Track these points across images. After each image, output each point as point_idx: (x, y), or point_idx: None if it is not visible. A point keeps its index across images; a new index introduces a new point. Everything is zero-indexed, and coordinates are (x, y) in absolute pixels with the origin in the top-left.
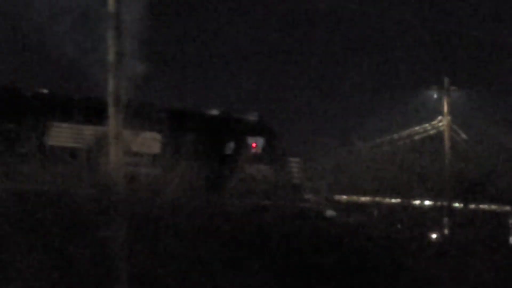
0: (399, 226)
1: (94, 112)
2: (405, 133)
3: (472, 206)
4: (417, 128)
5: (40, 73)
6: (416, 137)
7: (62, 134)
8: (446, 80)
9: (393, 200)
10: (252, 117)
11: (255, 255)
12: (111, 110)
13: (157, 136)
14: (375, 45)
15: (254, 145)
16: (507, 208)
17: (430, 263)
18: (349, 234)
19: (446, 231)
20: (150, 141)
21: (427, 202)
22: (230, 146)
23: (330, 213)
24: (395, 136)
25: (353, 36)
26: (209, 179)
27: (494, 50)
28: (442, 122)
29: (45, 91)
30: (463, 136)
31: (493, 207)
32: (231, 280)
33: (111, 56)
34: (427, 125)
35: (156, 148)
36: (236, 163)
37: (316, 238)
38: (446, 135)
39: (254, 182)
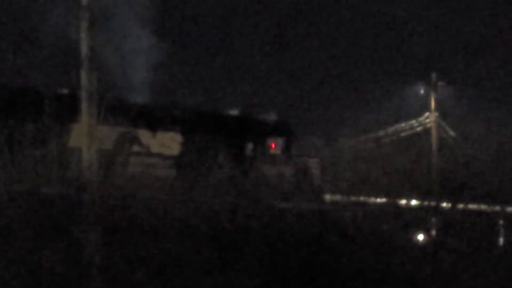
0: (385, 226)
1: (114, 113)
2: (391, 130)
3: (461, 206)
4: (403, 124)
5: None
6: (403, 134)
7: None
8: (433, 76)
9: (379, 200)
10: (271, 117)
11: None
12: (84, 105)
13: (177, 136)
14: (361, 40)
15: (273, 145)
16: (497, 208)
17: (417, 265)
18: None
19: (433, 232)
20: (169, 142)
21: (414, 202)
22: (250, 147)
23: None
24: (381, 133)
25: (338, 32)
26: (228, 180)
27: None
28: (429, 118)
29: (65, 91)
30: (451, 133)
31: (482, 207)
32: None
33: (84, 50)
34: (414, 121)
35: (175, 149)
36: (255, 164)
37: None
38: (434, 132)
39: (273, 183)
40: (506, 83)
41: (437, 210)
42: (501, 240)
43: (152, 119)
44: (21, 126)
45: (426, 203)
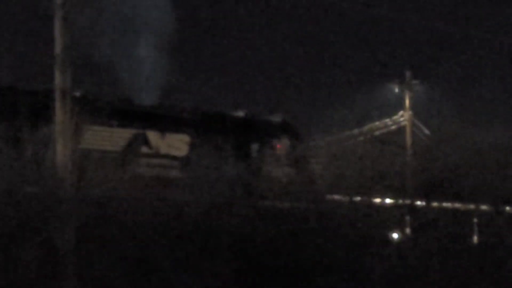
0: (359, 225)
1: (126, 114)
2: (365, 128)
3: (435, 204)
4: (377, 123)
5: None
6: (377, 133)
7: (94, 137)
8: (407, 74)
9: (353, 198)
10: (277, 118)
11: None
12: (57, 105)
13: (186, 138)
14: (334, 37)
15: (278, 146)
16: (471, 206)
17: (391, 264)
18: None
19: (408, 231)
20: (178, 143)
21: (388, 200)
22: (255, 148)
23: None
24: (355, 131)
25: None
26: (234, 180)
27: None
28: (403, 117)
29: (77, 93)
30: (426, 131)
31: (457, 205)
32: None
33: (57, 48)
34: (388, 120)
35: (184, 150)
36: (261, 165)
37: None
38: (408, 130)
39: (279, 184)
40: (481, 81)
41: (412, 208)
42: (475, 239)
43: (160, 120)
44: (24, 127)
45: (400, 201)
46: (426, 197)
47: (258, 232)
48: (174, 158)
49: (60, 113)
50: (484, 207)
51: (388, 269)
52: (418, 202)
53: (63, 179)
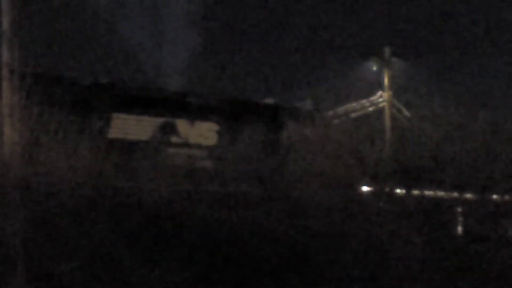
0: (336, 215)
1: (154, 103)
2: (340, 110)
3: (416, 192)
4: (354, 104)
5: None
6: (353, 115)
7: (123, 126)
8: (386, 51)
9: (328, 187)
10: (307, 105)
11: None
12: (4, 84)
13: (214, 126)
14: (307, 12)
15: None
16: (455, 194)
17: (368, 257)
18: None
19: (386, 220)
20: (207, 132)
21: (365, 188)
22: (286, 136)
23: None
24: (330, 113)
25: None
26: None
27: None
28: (382, 97)
29: (104, 80)
30: (406, 113)
31: (440, 193)
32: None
33: (5, 24)
34: (365, 101)
35: (213, 139)
36: (291, 153)
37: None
38: (387, 112)
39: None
40: (465, 60)
41: (391, 196)
42: (459, 229)
43: (189, 108)
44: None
45: (378, 189)
46: (407, 184)
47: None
48: (203, 147)
49: (7, 92)
50: (468, 195)
51: (365, 262)
52: (398, 190)
53: (10, 166)
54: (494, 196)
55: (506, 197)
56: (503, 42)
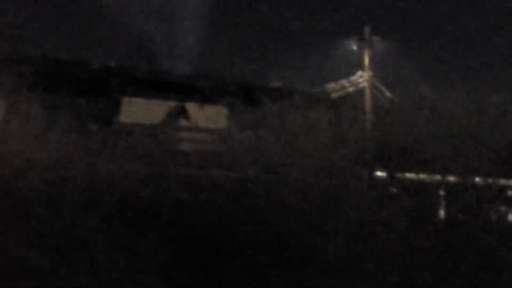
0: (313, 199)
1: (164, 86)
2: (320, 91)
3: (398, 175)
4: (333, 84)
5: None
6: (333, 95)
7: (133, 110)
8: (367, 30)
9: (306, 170)
10: (317, 89)
11: None
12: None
13: (223, 110)
14: None
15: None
16: (438, 177)
17: (347, 243)
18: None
19: (367, 205)
20: (216, 116)
21: (346, 171)
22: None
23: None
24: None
25: None
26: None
27: None
28: (362, 77)
29: (113, 64)
30: (387, 94)
31: (422, 176)
32: None
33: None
34: (345, 81)
35: (222, 123)
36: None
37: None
38: (367, 92)
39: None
40: (448, 39)
41: (372, 179)
42: (441, 213)
43: (199, 92)
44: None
45: (359, 172)
46: (388, 167)
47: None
48: (212, 131)
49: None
50: (452, 178)
51: (344, 249)
52: (379, 173)
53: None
54: (478, 180)
55: (490, 180)
56: (488, 21)
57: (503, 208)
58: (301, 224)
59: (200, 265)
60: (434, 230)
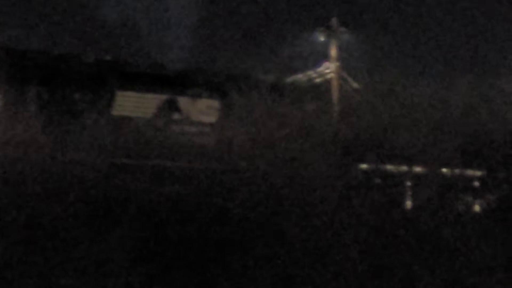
0: (282, 190)
1: (157, 80)
2: (286, 82)
3: (364, 166)
4: (300, 75)
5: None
6: (300, 86)
7: (126, 103)
8: (334, 21)
9: (272, 160)
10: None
11: None
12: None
13: (215, 103)
14: None
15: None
16: (404, 168)
17: (314, 233)
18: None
19: (334, 195)
20: (207, 109)
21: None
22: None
23: None
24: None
25: None
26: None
27: None
28: (329, 68)
29: (108, 58)
30: (354, 85)
31: (388, 167)
32: None
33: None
34: (312, 72)
35: (213, 116)
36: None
37: None
38: (334, 84)
39: None
40: (415, 29)
41: (339, 170)
42: (408, 204)
43: (191, 85)
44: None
45: (325, 163)
46: (355, 157)
47: None
48: (205, 124)
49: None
50: (418, 168)
51: (307, 241)
52: (345, 164)
53: None
54: (445, 170)
55: (456, 171)
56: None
57: (469, 199)
58: (267, 214)
59: (164, 254)
60: (400, 220)
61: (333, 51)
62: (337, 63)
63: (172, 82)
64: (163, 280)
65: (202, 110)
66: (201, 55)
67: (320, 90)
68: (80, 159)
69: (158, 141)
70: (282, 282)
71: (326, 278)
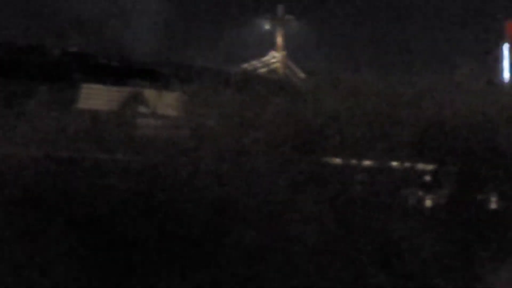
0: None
1: (125, 72)
2: (231, 71)
3: (311, 159)
4: (245, 65)
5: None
6: (244, 76)
7: (92, 96)
8: (280, 8)
9: (216, 154)
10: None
11: None
12: None
13: (180, 96)
14: None
15: None
16: (353, 161)
17: (258, 228)
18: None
19: (280, 189)
20: (173, 102)
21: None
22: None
23: None
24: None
25: None
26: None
27: None
28: (275, 58)
29: (75, 49)
30: (301, 75)
31: (336, 160)
32: None
33: None
34: (256, 62)
35: (176, 109)
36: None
37: None
38: (280, 73)
39: None
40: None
41: (285, 164)
42: (357, 198)
43: (157, 77)
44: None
45: (271, 156)
46: (301, 151)
47: None
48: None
49: None
50: (367, 162)
51: (252, 236)
52: (293, 157)
53: None
54: (395, 163)
55: (407, 164)
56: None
57: (420, 193)
58: (209, 210)
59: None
60: (349, 214)
61: (279, 40)
62: (283, 52)
63: (139, 74)
64: (101, 278)
65: (169, 103)
66: (160, 47)
67: (266, 81)
68: (19, 153)
69: (124, 134)
70: (224, 280)
71: (270, 276)
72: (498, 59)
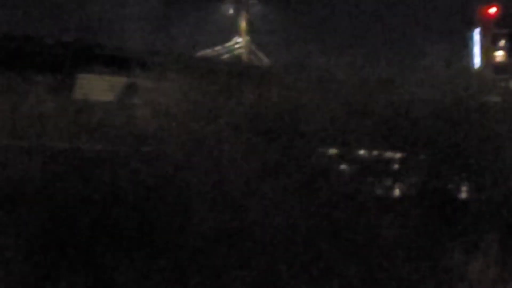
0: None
1: (121, 62)
2: (194, 57)
3: (277, 147)
4: (208, 51)
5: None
6: (207, 62)
7: (88, 87)
8: None
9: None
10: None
11: None
12: None
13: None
14: None
15: None
16: (334, 150)
17: (222, 217)
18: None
19: (245, 178)
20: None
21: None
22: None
23: None
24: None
25: None
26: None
27: None
28: (239, 43)
29: (70, 39)
30: (265, 59)
31: (303, 148)
32: None
33: None
34: (220, 47)
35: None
36: None
37: None
38: (244, 58)
39: None
40: (331, 3)
41: (250, 152)
42: (323, 187)
43: (152, 68)
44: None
45: (237, 144)
46: (267, 138)
47: None
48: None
49: None
50: (334, 150)
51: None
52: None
53: None
54: (362, 152)
55: (374, 153)
56: None
57: (388, 182)
58: (173, 198)
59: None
60: (314, 204)
61: (243, 25)
62: (247, 37)
63: (135, 64)
64: (61, 267)
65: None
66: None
67: (230, 66)
68: None
69: (118, 124)
70: (187, 270)
71: (233, 265)
72: (469, 45)
